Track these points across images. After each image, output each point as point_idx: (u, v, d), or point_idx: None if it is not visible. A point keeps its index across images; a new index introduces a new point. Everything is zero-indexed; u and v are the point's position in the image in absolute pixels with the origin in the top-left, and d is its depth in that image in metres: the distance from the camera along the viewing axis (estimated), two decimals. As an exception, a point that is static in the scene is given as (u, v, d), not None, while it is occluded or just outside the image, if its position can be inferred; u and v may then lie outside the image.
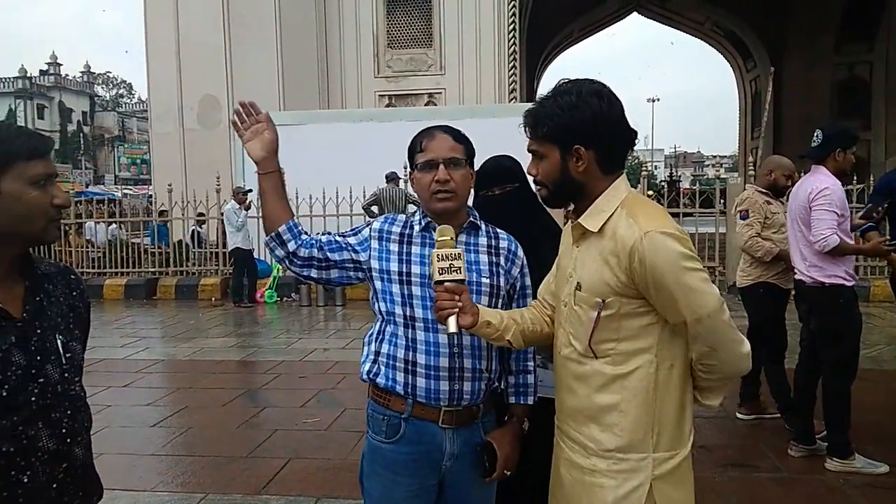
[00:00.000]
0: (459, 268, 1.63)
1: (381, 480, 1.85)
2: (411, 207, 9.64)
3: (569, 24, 25.32)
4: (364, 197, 10.23)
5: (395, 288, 1.83)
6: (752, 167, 10.75)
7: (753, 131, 25.54)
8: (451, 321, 1.62)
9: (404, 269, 1.83)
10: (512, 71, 15.11)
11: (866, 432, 4.10)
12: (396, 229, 1.88)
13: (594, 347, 1.58)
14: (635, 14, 26.39)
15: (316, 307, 10.03)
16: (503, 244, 1.93)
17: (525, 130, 1.65)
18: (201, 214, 11.56)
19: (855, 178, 9.93)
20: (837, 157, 3.75)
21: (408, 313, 1.81)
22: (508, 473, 1.85)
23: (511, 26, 14.96)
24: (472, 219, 1.90)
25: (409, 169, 1.96)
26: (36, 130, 1.49)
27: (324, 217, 10.60)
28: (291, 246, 1.84)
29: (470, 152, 1.89)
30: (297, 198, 10.64)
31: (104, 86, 66.16)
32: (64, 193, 1.36)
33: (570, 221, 1.75)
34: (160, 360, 6.84)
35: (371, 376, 1.87)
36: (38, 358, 1.30)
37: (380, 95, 15.61)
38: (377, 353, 1.87)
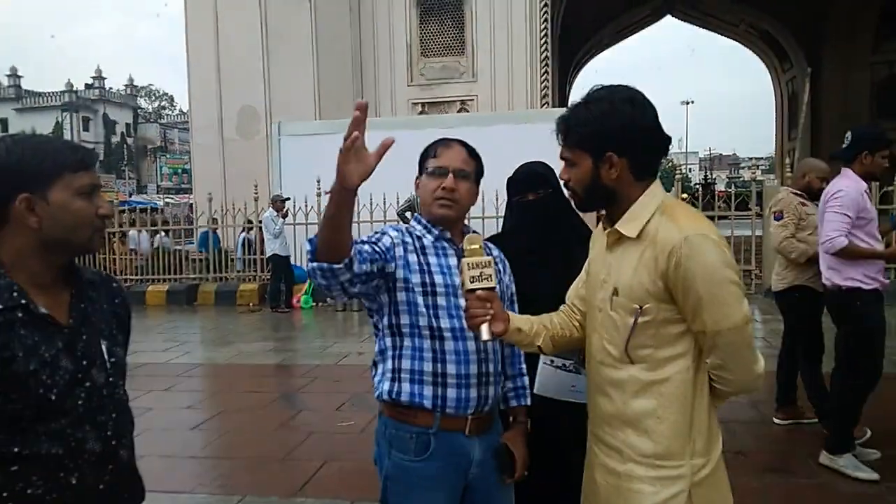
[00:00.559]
0: (490, 276, 1.64)
1: (416, 500, 1.82)
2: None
3: (601, 28, 25.15)
4: (398, 203, 10.33)
5: (420, 299, 1.81)
6: (788, 169, 10.58)
7: (790, 133, 25.00)
8: (485, 329, 1.63)
9: (427, 280, 1.82)
10: (544, 77, 15.11)
11: (884, 438, 4.00)
12: (409, 239, 1.87)
13: (631, 353, 1.57)
14: (669, 17, 26.12)
15: (350, 312, 10.15)
16: (494, 253, 1.99)
17: (557, 137, 1.65)
18: (249, 222, 11.80)
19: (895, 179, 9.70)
20: (864, 160, 3.71)
21: (434, 324, 1.80)
22: (527, 474, 1.91)
23: (543, 32, 14.96)
24: (464, 229, 1.93)
25: (419, 174, 1.95)
26: (81, 142, 1.55)
27: (358, 223, 10.69)
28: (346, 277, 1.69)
29: (479, 171, 1.93)
30: (332, 206, 10.81)
31: (147, 98, 67.86)
32: (108, 203, 1.41)
33: (599, 226, 1.76)
34: (200, 364, 7.00)
35: (393, 396, 1.82)
36: (84, 363, 1.34)
37: (413, 103, 15.74)
38: (397, 371, 1.83)
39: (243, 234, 12.08)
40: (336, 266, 1.64)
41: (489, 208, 10.32)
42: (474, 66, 15.47)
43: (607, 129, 1.56)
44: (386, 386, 1.84)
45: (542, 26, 14.93)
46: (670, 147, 1.69)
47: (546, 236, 2.01)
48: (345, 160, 1.53)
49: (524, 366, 2.03)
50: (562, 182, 1.74)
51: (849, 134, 3.83)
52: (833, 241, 3.63)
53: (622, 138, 1.56)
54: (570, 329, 1.82)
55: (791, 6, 22.21)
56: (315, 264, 1.64)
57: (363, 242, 1.77)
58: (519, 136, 11.33)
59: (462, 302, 1.78)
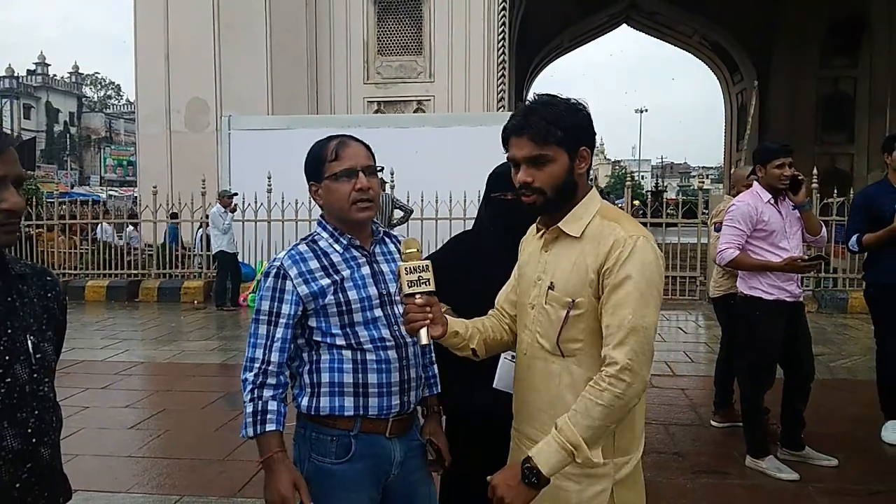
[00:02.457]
0: (428, 279, 1.63)
1: (334, 502, 1.81)
2: (398, 213, 9.67)
3: (558, 34, 25.48)
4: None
5: (334, 320, 1.78)
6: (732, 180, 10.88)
7: (738, 143, 25.77)
8: (423, 333, 1.63)
9: (341, 299, 1.78)
10: (501, 79, 15.21)
11: (836, 442, 4.16)
12: (315, 264, 1.81)
13: (562, 346, 1.62)
14: (625, 26, 26.63)
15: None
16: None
17: (520, 140, 1.62)
18: (174, 216, 11.55)
19: (836, 190, 10.08)
20: (760, 173, 3.90)
21: (353, 340, 1.79)
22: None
23: (501, 35, 15.06)
24: (373, 227, 1.91)
25: (311, 180, 1.86)
26: (21, 131, 1.45)
27: (309, 221, 10.59)
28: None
29: (375, 161, 1.88)
30: (283, 202, 10.68)
31: (92, 86, 65.88)
32: (16, 199, 1.26)
33: (530, 230, 1.81)
34: (140, 363, 6.81)
35: (313, 412, 1.79)
36: (7, 358, 1.29)
37: (368, 102, 15.67)
38: (316, 385, 1.80)
39: (201, 230, 11.80)
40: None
41: (443, 210, 10.37)
42: (431, 67, 15.48)
43: (580, 123, 1.63)
44: (305, 401, 1.81)
45: (500, 29, 15.03)
46: (605, 153, 1.76)
47: (521, 236, 2.00)
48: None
49: (433, 355, 2.03)
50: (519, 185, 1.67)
51: None
52: (722, 254, 3.88)
53: (589, 133, 1.65)
54: (500, 332, 1.85)
55: (742, 20, 22.91)
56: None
57: (275, 318, 1.79)
58: (475, 139, 11.37)
59: (379, 312, 1.81)
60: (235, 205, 10.42)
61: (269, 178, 10.67)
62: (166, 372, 6.47)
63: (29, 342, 1.33)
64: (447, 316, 1.75)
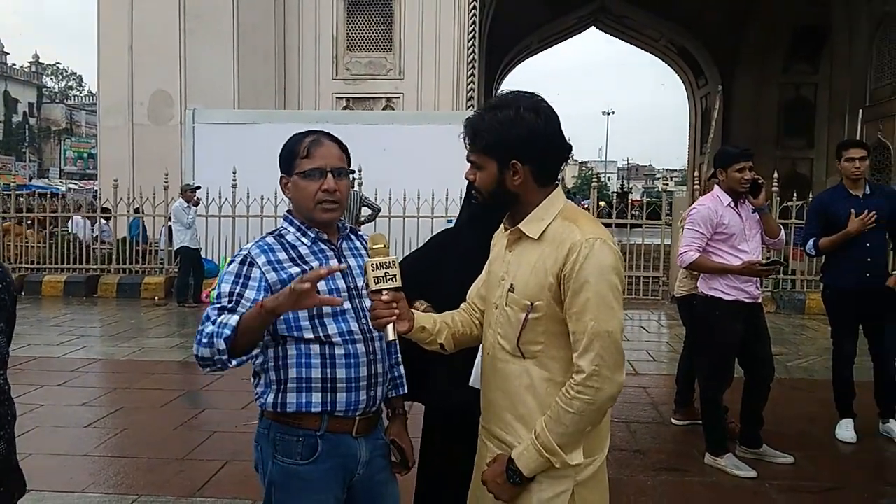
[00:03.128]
0: (395, 275, 1.62)
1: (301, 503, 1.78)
2: (366, 210, 9.61)
3: (528, 35, 25.61)
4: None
5: (302, 312, 1.74)
6: (697, 182, 11.06)
7: (702, 147, 26.20)
8: (390, 329, 1.62)
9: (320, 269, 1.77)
10: (470, 79, 15.22)
11: (792, 440, 4.26)
12: (283, 255, 1.79)
13: (522, 348, 1.62)
14: (593, 28, 26.87)
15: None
16: None
17: (464, 140, 1.66)
18: (137, 210, 11.30)
19: (795, 194, 10.31)
20: (721, 176, 3.98)
21: (321, 333, 1.75)
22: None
23: (471, 34, 15.07)
24: (340, 224, 1.90)
25: (282, 172, 1.85)
26: None
27: (275, 217, 10.47)
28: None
29: (350, 163, 1.87)
30: (248, 198, 10.53)
31: (53, 77, 64.25)
32: None
33: (501, 227, 1.80)
34: (97, 360, 6.65)
35: (279, 409, 1.76)
36: None
37: (337, 98, 15.54)
38: (282, 381, 1.77)
39: (168, 224, 11.55)
40: (253, 354, 1.68)
41: (410, 208, 10.34)
42: (401, 64, 15.41)
43: (513, 138, 1.59)
44: (270, 398, 1.78)
45: (471, 28, 15.04)
46: (571, 156, 1.74)
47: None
48: (293, 301, 1.56)
49: (399, 355, 2.03)
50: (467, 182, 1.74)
51: None
52: (682, 256, 3.96)
53: (526, 147, 1.59)
54: (470, 327, 1.84)
55: (708, 26, 23.30)
56: (235, 361, 1.64)
57: (237, 298, 1.72)
58: (444, 137, 11.34)
59: (347, 304, 1.79)
60: (198, 199, 10.24)
61: (235, 172, 10.52)
62: (125, 369, 6.33)
63: None
64: (414, 311, 1.74)
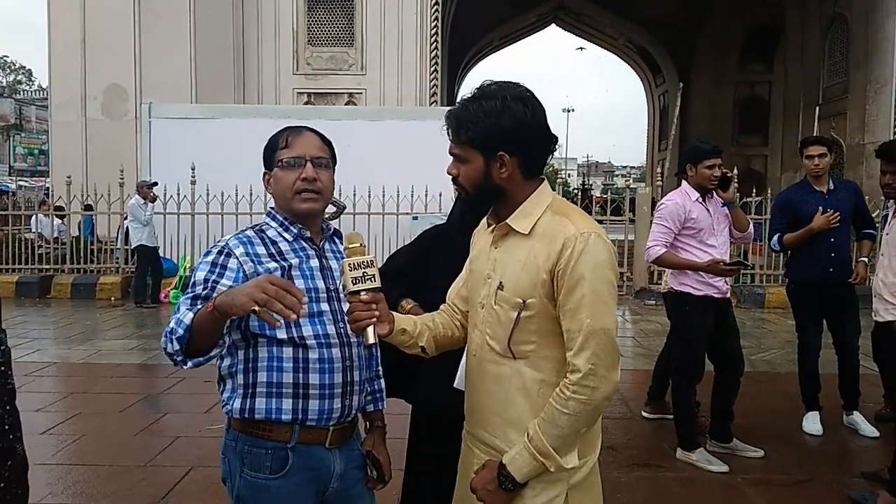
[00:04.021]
0: (374, 275, 1.54)
1: None
2: (330, 208, 9.47)
3: (490, 31, 25.66)
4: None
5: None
6: (659, 178, 11.20)
7: (660, 144, 26.64)
8: (370, 332, 1.54)
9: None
10: (433, 74, 15.15)
11: (760, 433, 4.31)
12: (262, 250, 1.70)
13: (513, 348, 1.56)
14: (554, 26, 27.06)
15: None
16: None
17: (447, 133, 1.60)
18: (89, 207, 11.01)
19: (754, 190, 10.50)
20: (690, 172, 3.99)
21: (295, 333, 1.66)
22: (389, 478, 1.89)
23: (433, 30, 15.00)
24: (324, 225, 1.83)
25: (265, 168, 1.78)
26: None
27: (236, 215, 10.26)
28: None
29: (334, 157, 1.81)
30: (207, 195, 10.29)
31: (1, 71, 62.01)
32: None
33: (482, 223, 1.75)
34: (52, 363, 6.40)
35: (246, 414, 1.66)
36: None
37: (298, 93, 15.31)
38: (251, 385, 1.67)
39: (126, 222, 11.22)
40: (212, 354, 1.58)
41: (375, 205, 10.23)
42: (363, 59, 15.26)
43: (500, 128, 1.53)
44: (237, 404, 1.67)
45: (433, 24, 14.96)
46: (556, 148, 1.69)
47: None
48: (245, 302, 1.42)
49: (380, 368, 1.96)
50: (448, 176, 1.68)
51: None
52: (649, 251, 3.99)
53: (514, 138, 1.54)
54: (451, 329, 1.78)
55: (667, 25, 23.68)
56: (191, 362, 1.56)
57: (212, 284, 1.62)
58: (407, 133, 11.29)
59: (325, 307, 1.71)
60: (156, 196, 9.97)
61: (193, 168, 10.28)
62: (82, 373, 6.10)
63: None
64: (394, 313, 1.67)
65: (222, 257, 1.67)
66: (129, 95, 13.67)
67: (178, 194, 10.32)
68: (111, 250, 11.31)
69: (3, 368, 1.29)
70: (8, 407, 1.29)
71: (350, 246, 1.57)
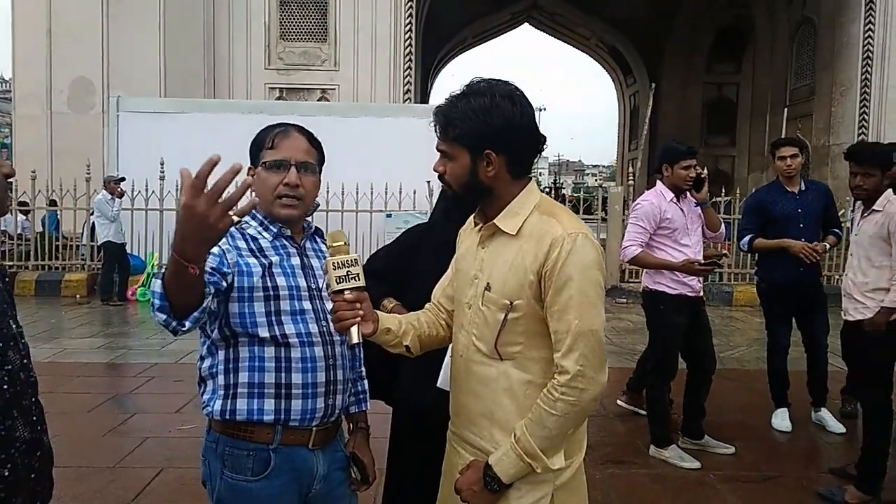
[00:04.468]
0: (358, 274, 1.53)
1: None
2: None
3: (463, 30, 25.65)
4: (252, 193, 9.84)
5: (259, 307, 1.62)
6: (630, 178, 11.31)
7: (631, 143, 26.93)
8: (354, 331, 1.53)
9: (269, 283, 1.64)
10: (407, 71, 15.10)
11: (730, 430, 4.36)
12: (243, 244, 1.67)
13: (500, 349, 1.55)
14: (527, 25, 27.15)
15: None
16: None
17: (434, 129, 1.59)
18: (53, 203, 10.78)
19: (724, 190, 10.67)
20: (665, 172, 4.03)
21: (277, 332, 1.63)
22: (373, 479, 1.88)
23: (407, 26, 14.94)
24: (305, 224, 1.80)
25: (251, 164, 1.74)
26: None
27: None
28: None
29: (321, 159, 1.77)
30: (176, 191, 10.11)
31: (-41, 60, 60.40)
32: (7, 164, 1.29)
33: (468, 222, 1.74)
34: (16, 362, 6.25)
35: (227, 416, 1.63)
36: (0, 344, 1.24)
37: (270, 88, 15.14)
38: (232, 386, 1.63)
39: (92, 218, 10.98)
40: (204, 306, 1.45)
41: (349, 202, 10.15)
42: (336, 55, 15.14)
43: (488, 126, 1.52)
44: (218, 405, 1.64)
45: (407, 20, 14.91)
46: (545, 147, 1.68)
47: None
48: (193, 215, 1.25)
49: (363, 369, 1.94)
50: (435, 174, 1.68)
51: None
52: (625, 251, 4.01)
53: (502, 136, 1.53)
54: (436, 328, 1.77)
55: (637, 26, 23.94)
56: (188, 322, 1.43)
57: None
58: (382, 130, 11.24)
59: (307, 305, 1.68)
60: (123, 191, 9.78)
61: (162, 164, 10.09)
62: (47, 372, 5.93)
63: (13, 327, 1.30)
64: (378, 312, 1.66)
65: None
66: (96, 89, 13.38)
67: (147, 190, 10.13)
68: (76, 246, 11.06)
69: (25, 361, 1.29)
70: (34, 399, 1.30)
71: (334, 244, 1.55)
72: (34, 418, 1.28)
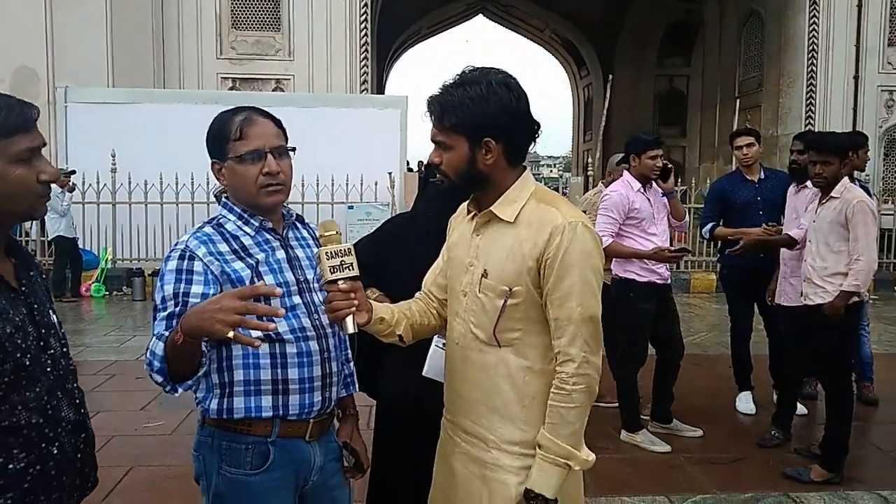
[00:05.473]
0: (351, 263, 1.51)
1: None
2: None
3: (417, 20, 25.51)
4: (209, 184, 9.63)
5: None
6: (590, 169, 11.45)
7: (586, 134, 27.27)
8: (349, 321, 1.51)
9: (257, 282, 1.60)
10: (364, 61, 14.93)
11: (697, 414, 4.48)
12: (225, 247, 1.62)
13: (499, 336, 1.55)
14: (481, 16, 27.16)
15: (152, 302, 9.31)
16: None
17: (430, 119, 1.57)
18: None
19: (679, 180, 10.89)
20: (633, 163, 4.10)
21: (271, 331, 1.60)
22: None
23: (363, 16, 14.76)
24: (284, 212, 1.76)
25: (213, 157, 1.67)
26: (19, 100, 1.29)
27: (161, 204, 9.85)
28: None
29: (287, 139, 1.72)
30: (129, 183, 9.84)
31: None
32: (52, 168, 1.32)
33: (460, 210, 1.74)
34: (-34, 363, 6.00)
35: (224, 415, 1.60)
36: (43, 331, 1.29)
37: (223, 78, 14.77)
38: (227, 385, 1.60)
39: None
40: (199, 374, 1.49)
41: (309, 194, 10.02)
42: (290, 44, 14.86)
43: (486, 114, 1.51)
44: (214, 404, 1.61)
45: (363, 9, 14.73)
46: (540, 134, 1.68)
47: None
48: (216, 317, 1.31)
49: (350, 352, 1.91)
50: (430, 165, 1.67)
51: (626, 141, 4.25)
52: None
53: (500, 124, 1.53)
54: (428, 317, 1.76)
55: (590, 18, 24.21)
56: (181, 388, 1.47)
57: (183, 297, 1.53)
58: (341, 121, 11.12)
59: (298, 300, 1.65)
60: (74, 185, 9.47)
61: (114, 156, 9.82)
62: None
63: (53, 316, 1.35)
64: (372, 301, 1.64)
65: (186, 262, 1.57)
66: (40, 79, 12.84)
67: (98, 183, 9.84)
68: (25, 242, 10.66)
69: (65, 350, 1.35)
70: (75, 384, 1.36)
71: (326, 234, 1.53)
72: (77, 401, 1.34)
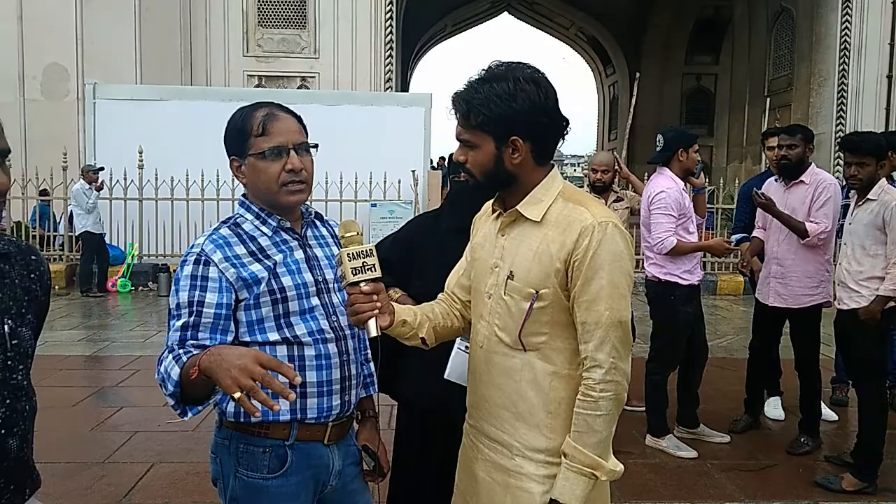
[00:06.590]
0: (374, 265, 1.47)
1: None
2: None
3: (442, 18, 25.47)
4: (233, 181, 9.69)
5: (266, 311, 1.57)
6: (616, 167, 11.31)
7: (611, 133, 27.01)
8: (372, 324, 1.47)
9: (275, 286, 1.57)
10: (388, 59, 14.94)
11: (724, 419, 4.38)
12: (242, 249, 1.59)
13: (524, 340, 1.50)
14: (506, 14, 27.03)
15: (176, 297, 9.40)
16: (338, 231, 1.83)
17: (455, 116, 1.52)
18: (44, 192, 10.48)
19: (708, 179, 10.73)
20: (681, 158, 3.96)
21: (288, 334, 1.58)
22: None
23: (388, 14, 14.77)
24: (303, 210, 1.72)
25: (232, 154, 1.63)
26: None
27: (187, 201, 9.93)
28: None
29: (308, 136, 1.68)
30: (156, 180, 9.94)
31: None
32: (4, 178, 1.23)
33: (484, 210, 1.69)
34: (-5, 356, 6.09)
35: (241, 419, 1.58)
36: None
37: (249, 75, 14.89)
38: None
39: (71, 208, 10.73)
40: (211, 401, 1.45)
41: (333, 192, 10.04)
42: (316, 42, 14.92)
43: (513, 112, 1.46)
44: (231, 407, 1.58)
45: (388, 8, 14.73)
46: (569, 131, 1.63)
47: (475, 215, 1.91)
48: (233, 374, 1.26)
49: (368, 352, 1.88)
50: (455, 163, 1.63)
51: (660, 137, 4.06)
52: (664, 243, 3.88)
53: (528, 121, 1.47)
54: (451, 319, 1.71)
55: (617, 17, 23.95)
56: (191, 412, 1.42)
57: (197, 324, 1.51)
58: (365, 118, 11.12)
59: (315, 301, 1.62)
60: (102, 181, 9.58)
61: (141, 152, 9.91)
62: (27, 366, 5.81)
63: (5, 327, 1.24)
64: (394, 303, 1.60)
65: (201, 267, 1.54)
66: (70, 75, 13.06)
67: (125, 179, 9.94)
68: (54, 237, 10.84)
69: (9, 363, 1.25)
70: (7, 402, 1.25)
71: (347, 234, 1.49)
72: None
